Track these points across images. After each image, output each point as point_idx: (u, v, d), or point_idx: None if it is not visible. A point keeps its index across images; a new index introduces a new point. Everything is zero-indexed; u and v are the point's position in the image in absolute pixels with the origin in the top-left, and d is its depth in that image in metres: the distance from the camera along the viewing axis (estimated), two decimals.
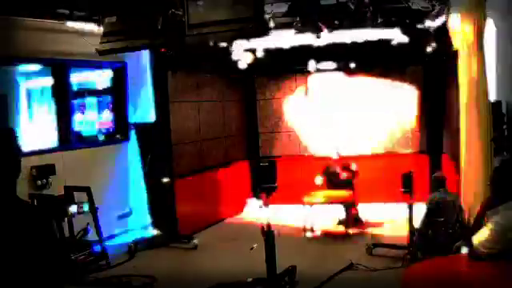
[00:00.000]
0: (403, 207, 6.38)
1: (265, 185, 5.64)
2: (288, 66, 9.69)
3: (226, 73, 9.30)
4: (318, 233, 7.86)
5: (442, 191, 6.11)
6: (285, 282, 5.57)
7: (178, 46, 6.31)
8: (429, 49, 7.54)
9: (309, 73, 9.69)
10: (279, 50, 7.79)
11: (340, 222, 8.02)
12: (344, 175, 8.22)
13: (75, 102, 8.01)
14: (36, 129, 9.54)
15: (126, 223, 7.63)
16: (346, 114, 9.67)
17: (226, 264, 6.55)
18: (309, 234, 7.70)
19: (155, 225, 7.90)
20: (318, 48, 7.40)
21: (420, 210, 6.30)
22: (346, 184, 8.21)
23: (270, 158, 9.10)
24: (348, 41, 7.48)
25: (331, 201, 7.90)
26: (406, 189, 6.38)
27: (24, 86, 9.59)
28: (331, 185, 8.22)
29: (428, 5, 5.98)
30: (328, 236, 7.77)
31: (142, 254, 7.11)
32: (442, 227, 5.82)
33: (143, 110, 8.02)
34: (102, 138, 8.46)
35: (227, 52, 7.94)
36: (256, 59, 8.25)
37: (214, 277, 5.91)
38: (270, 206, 5.66)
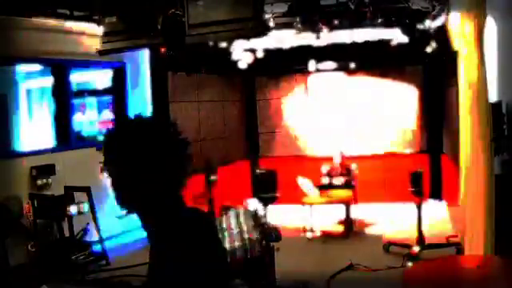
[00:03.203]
0: (403, 207, 6.38)
1: (264, 195, 5.48)
2: (288, 65, 9.68)
3: (226, 73, 9.30)
4: (317, 233, 7.85)
5: None
6: None
7: (178, 46, 6.30)
8: (429, 49, 7.54)
9: (309, 73, 9.68)
10: (279, 50, 7.79)
11: (340, 222, 8.02)
12: (342, 180, 8.22)
13: (75, 101, 8.01)
14: (36, 129, 9.54)
15: (126, 223, 7.61)
16: (345, 114, 9.66)
17: None
18: (309, 234, 7.70)
19: None
20: (318, 48, 7.40)
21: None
22: (346, 185, 8.23)
23: (269, 158, 9.10)
24: (348, 41, 7.48)
25: (331, 201, 7.89)
26: (416, 188, 6.34)
27: (24, 85, 9.59)
28: (332, 186, 8.22)
29: (428, 5, 5.97)
30: (328, 236, 7.77)
31: (142, 253, 7.09)
32: None
33: (143, 110, 8.02)
34: (102, 137, 8.46)
35: (227, 52, 7.95)
36: (256, 59, 8.26)
37: None
38: (270, 206, 5.64)
